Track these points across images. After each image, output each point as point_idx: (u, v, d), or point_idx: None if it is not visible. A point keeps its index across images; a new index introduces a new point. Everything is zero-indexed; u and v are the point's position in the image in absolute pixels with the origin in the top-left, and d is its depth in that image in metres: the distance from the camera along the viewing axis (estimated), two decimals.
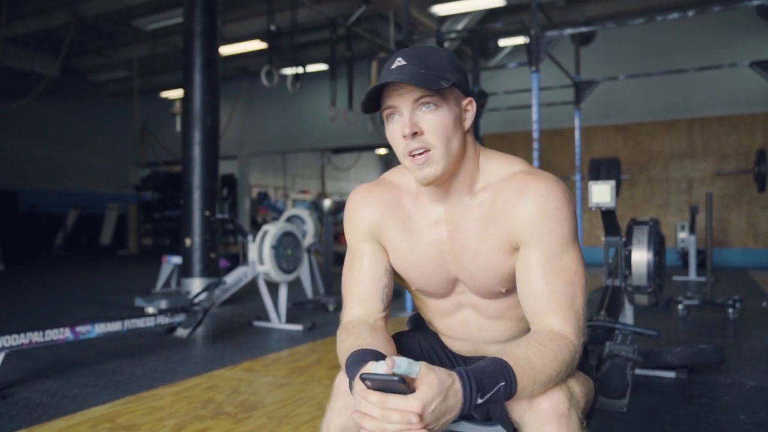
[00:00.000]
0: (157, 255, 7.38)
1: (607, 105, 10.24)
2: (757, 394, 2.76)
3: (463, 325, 1.23)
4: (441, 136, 1.02)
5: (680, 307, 4.88)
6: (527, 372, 0.92)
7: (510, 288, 1.11)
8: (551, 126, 10.21)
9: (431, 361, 1.26)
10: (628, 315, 3.04)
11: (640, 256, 2.80)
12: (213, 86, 5.81)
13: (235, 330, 4.55)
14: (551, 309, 1.02)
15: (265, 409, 2.63)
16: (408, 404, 0.81)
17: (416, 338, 1.30)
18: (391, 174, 1.22)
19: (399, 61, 1.03)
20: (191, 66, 5.72)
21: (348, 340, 1.07)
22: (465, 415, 1.21)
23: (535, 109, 4.72)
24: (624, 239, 2.85)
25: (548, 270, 1.03)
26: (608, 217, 2.80)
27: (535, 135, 4.72)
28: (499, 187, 1.09)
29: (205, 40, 5.74)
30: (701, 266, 8.09)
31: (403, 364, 0.81)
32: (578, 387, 1.04)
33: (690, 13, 4.50)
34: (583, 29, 5.00)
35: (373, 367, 0.83)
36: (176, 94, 12.79)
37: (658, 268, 2.86)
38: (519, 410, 1.00)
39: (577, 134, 6.58)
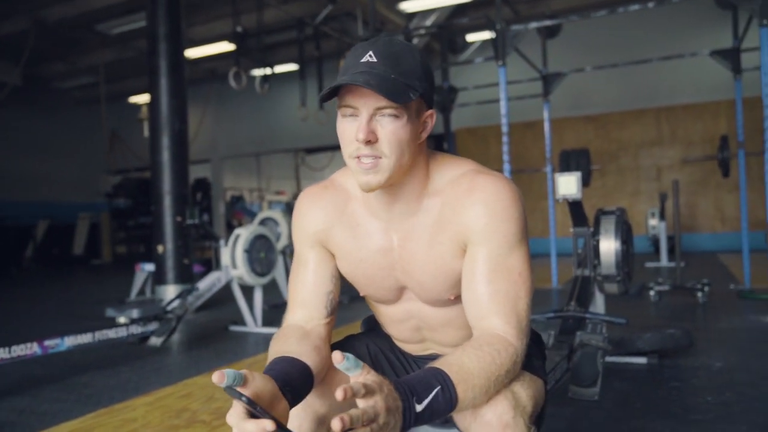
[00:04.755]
0: (131, 263, 7.28)
1: (576, 96, 10.36)
2: (723, 375, 2.83)
3: (414, 331, 1.22)
4: (395, 148, 0.98)
5: (652, 293, 4.97)
6: (464, 377, 0.89)
7: (459, 295, 1.08)
8: (522, 119, 10.31)
9: (378, 364, 1.26)
10: (598, 304, 3.08)
11: (608, 246, 2.84)
12: (180, 90, 5.73)
13: (211, 336, 4.50)
14: (493, 310, 1.00)
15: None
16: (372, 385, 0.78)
17: (365, 341, 1.29)
18: (341, 175, 1.18)
19: (369, 57, 0.97)
20: (156, 70, 5.64)
21: (275, 345, 1.06)
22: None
23: (503, 104, 4.76)
24: (592, 229, 2.89)
25: (492, 269, 1.01)
26: (575, 207, 2.83)
27: (504, 129, 4.75)
28: (448, 190, 1.07)
29: (169, 43, 5.66)
30: (672, 252, 8.24)
31: (350, 359, 0.79)
32: (524, 391, 1.01)
33: (650, 4, 4.57)
34: (548, 22, 5.05)
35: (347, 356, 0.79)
36: (144, 99, 12.59)
37: (626, 256, 2.91)
38: (464, 422, 0.99)
39: (546, 126, 6.64)
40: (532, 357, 1.16)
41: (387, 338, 1.31)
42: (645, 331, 3.46)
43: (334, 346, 1.23)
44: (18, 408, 2.86)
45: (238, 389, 0.81)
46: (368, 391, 0.77)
